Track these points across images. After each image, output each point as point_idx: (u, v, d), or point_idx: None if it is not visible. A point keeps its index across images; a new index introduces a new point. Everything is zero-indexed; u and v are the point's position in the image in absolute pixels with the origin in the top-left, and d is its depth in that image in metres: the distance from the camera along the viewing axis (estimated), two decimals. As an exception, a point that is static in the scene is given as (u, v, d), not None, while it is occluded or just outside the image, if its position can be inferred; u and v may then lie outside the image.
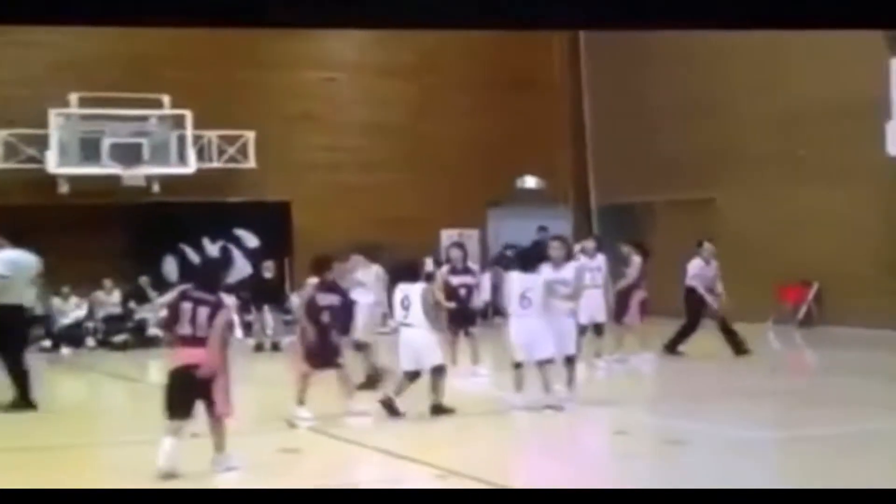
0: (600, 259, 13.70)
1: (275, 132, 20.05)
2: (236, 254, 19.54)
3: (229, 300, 7.99)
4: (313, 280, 10.29)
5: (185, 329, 7.77)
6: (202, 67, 19.35)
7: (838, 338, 13.55)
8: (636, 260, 14.03)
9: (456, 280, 13.17)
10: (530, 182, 21.97)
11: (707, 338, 16.88)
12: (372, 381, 11.78)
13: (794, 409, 10.53)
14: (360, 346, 11.98)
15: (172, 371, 7.86)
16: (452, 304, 12.94)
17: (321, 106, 20.97)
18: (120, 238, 18.60)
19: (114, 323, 17.48)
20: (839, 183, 16.82)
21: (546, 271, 10.32)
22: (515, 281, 10.28)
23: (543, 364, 10.13)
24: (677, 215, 19.93)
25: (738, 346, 13.99)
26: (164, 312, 8.23)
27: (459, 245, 14.35)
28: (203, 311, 7.73)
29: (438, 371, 10.04)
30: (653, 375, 13.38)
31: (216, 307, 7.79)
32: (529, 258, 10.59)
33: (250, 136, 19.36)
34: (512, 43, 21.42)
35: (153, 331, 17.23)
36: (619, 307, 13.81)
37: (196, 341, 7.70)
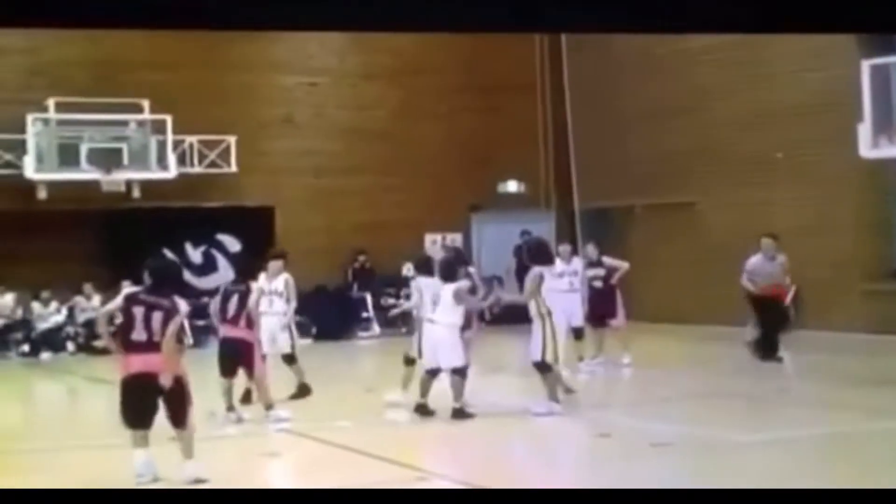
0: (577, 263, 13.74)
1: (256, 137, 20.00)
2: (219, 258, 19.50)
3: (183, 305, 7.86)
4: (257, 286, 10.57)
5: (139, 335, 7.49)
6: (182, 72, 19.25)
7: (817, 341, 13.61)
8: (608, 261, 14.00)
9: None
10: (512, 186, 22.00)
11: (684, 341, 17.02)
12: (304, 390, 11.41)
13: (774, 412, 10.62)
14: (288, 359, 11.46)
15: (128, 379, 7.57)
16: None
17: (302, 110, 20.94)
18: (100, 243, 18.47)
19: (94, 327, 17.37)
20: (815, 184, 16.88)
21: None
22: (426, 287, 10.33)
23: (455, 373, 10.08)
24: (658, 219, 20.01)
25: (767, 351, 13.40)
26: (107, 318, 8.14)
27: (455, 249, 14.40)
28: (157, 316, 7.48)
29: (458, 372, 10.10)
30: (633, 378, 13.42)
31: (170, 312, 7.54)
32: (443, 265, 10.53)
33: (231, 140, 19.28)
34: (493, 46, 21.40)
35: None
36: (605, 309, 13.74)
37: (152, 347, 7.44)
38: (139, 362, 7.50)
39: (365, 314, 20.15)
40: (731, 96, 18.70)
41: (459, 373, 10.09)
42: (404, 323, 15.19)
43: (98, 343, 17.23)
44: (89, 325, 17.23)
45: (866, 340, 12.86)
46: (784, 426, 9.72)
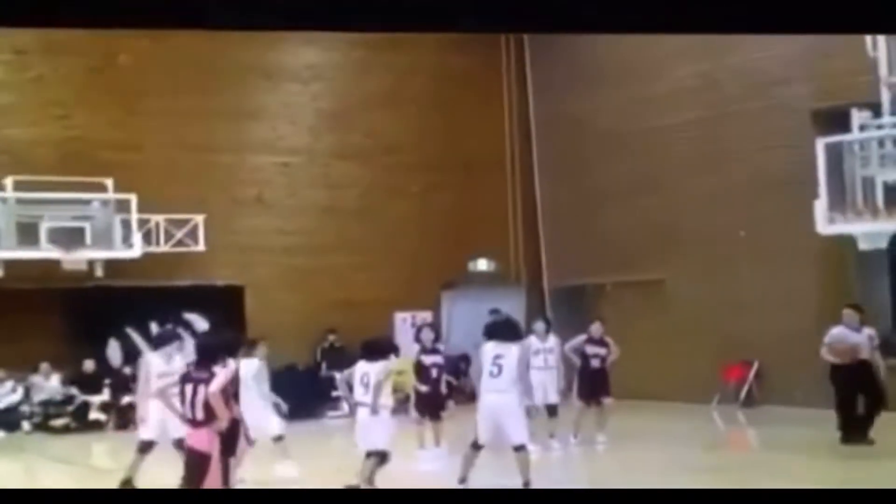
0: (552, 340, 13.80)
1: (226, 216, 20.00)
2: (186, 337, 19.31)
3: (222, 370, 8.25)
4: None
5: (186, 412, 7.96)
6: (150, 152, 19.28)
7: (781, 416, 13.60)
8: (610, 341, 14.05)
9: (428, 360, 13.19)
10: (483, 264, 22.02)
11: (654, 417, 16.94)
12: None
13: (741, 485, 10.50)
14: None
15: None
16: (425, 387, 12.92)
17: (274, 189, 20.98)
18: (60, 322, 18.26)
19: (52, 407, 17.21)
20: (777, 261, 17.05)
21: None
22: (356, 368, 10.16)
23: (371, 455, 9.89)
24: (628, 296, 20.05)
25: (858, 433, 12.52)
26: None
27: (432, 325, 14.49)
28: (200, 392, 7.85)
29: (376, 455, 9.91)
30: (605, 455, 13.37)
31: (207, 382, 7.88)
32: (370, 345, 10.42)
33: (199, 219, 19.23)
34: (464, 125, 21.72)
35: (95, 415, 17.01)
36: (601, 388, 13.80)
37: (194, 423, 7.87)
38: (188, 438, 8.00)
39: (334, 393, 19.98)
40: (696, 174, 18.93)
41: (379, 455, 9.89)
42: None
43: (55, 423, 17.06)
44: (46, 404, 17.03)
45: (828, 415, 12.84)
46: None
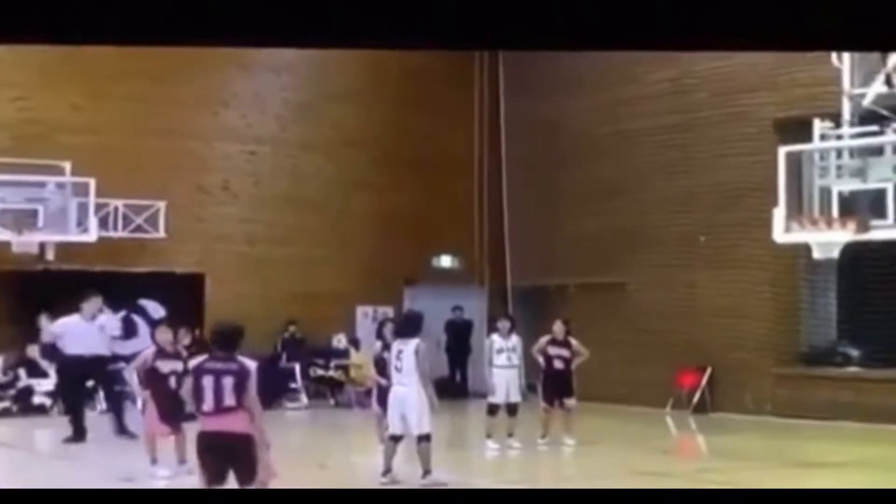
0: (515, 339, 13.70)
1: (190, 203, 19.85)
2: (140, 324, 19.20)
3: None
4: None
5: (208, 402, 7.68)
6: (114, 136, 19.07)
7: (730, 424, 13.60)
8: (574, 343, 13.91)
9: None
10: (446, 261, 21.98)
11: (613, 420, 16.95)
12: None
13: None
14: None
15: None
16: (385, 381, 12.84)
17: (239, 178, 20.84)
18: (6, 305, 18.07)
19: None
20: (734, 268, 17.12)
21: None
22: None
23: None
24: (591, 298, 20.01)
25: None
26: None
27: (394, 321, 14.29)
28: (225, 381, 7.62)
29: None
30: (565, 456, 13.34)
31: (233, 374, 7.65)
32: None
33: (161, 205, 19.07)
34: (432, 121, 21.64)
35: (39, 399, 16.87)
36: (564, 390, 13.70)
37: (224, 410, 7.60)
38: (222, 426, 7.53)
39: (293, 384, 19.90)
40: (662, 179, 18.99)
41: None
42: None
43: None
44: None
45: (775, 424, 12.83)
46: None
